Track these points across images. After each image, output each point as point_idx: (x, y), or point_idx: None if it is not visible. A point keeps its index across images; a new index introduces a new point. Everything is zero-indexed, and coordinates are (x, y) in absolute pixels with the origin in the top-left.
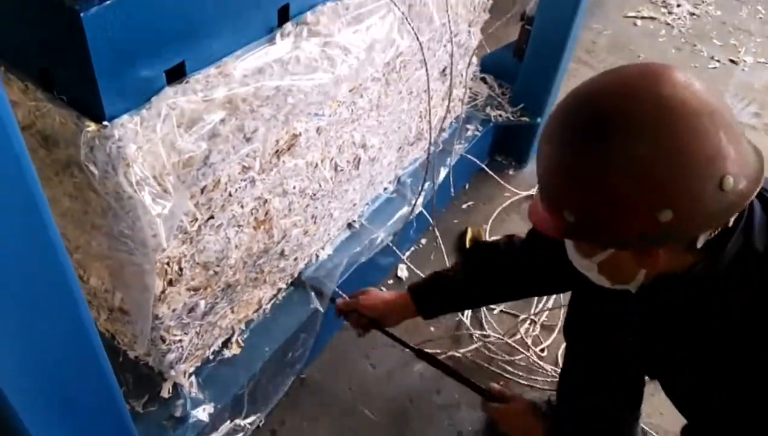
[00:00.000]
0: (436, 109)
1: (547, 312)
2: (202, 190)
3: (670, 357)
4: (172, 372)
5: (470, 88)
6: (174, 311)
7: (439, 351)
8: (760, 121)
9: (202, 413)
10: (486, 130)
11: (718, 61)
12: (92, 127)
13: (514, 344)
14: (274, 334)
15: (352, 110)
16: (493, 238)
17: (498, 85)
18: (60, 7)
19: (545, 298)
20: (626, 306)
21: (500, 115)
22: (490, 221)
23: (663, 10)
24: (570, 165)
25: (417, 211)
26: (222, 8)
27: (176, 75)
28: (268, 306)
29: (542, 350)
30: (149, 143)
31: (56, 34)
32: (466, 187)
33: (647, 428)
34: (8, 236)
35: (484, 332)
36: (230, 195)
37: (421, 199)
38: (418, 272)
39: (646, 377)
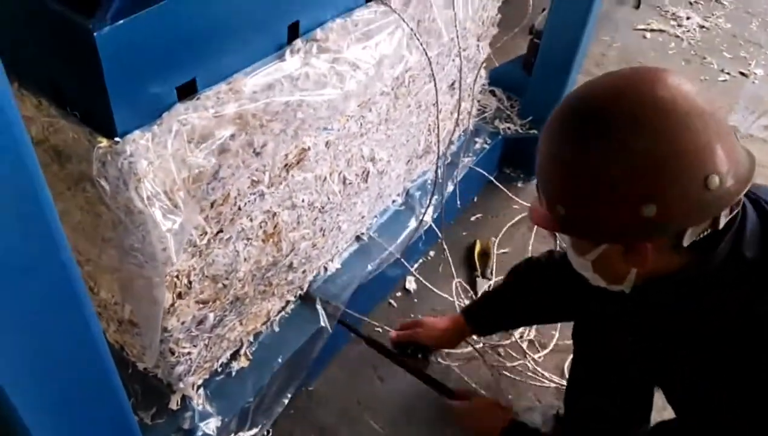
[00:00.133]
0: (445, 123)
1: None
2: (211, 205)
3: (669, 357)
4: (181, 384)
5: (479, 101)
6: (183, 323)
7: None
8: None
9: (210, 426)
10: (494, 143)
11: (728, 73)
12: (104, 143)
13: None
14: (283, 347)
15: (360, 124)
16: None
17: (506, 97)
18: (74, 26)
19: None
20: (625, 306)
21: (509, 128)
22: (500, 234)
23: (672, 22)
24: (559, 159)
25: (425, 224)
26: (233, 26)
27: (187, 91)
28: (277, 319)
29: (539, 357)
30: (160, 159)
31: (70, 53)
32: (475, 199)
33: None
34: (19, 248)
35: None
36: (239, 209)
37: (429, 212)
38: (426, 284)
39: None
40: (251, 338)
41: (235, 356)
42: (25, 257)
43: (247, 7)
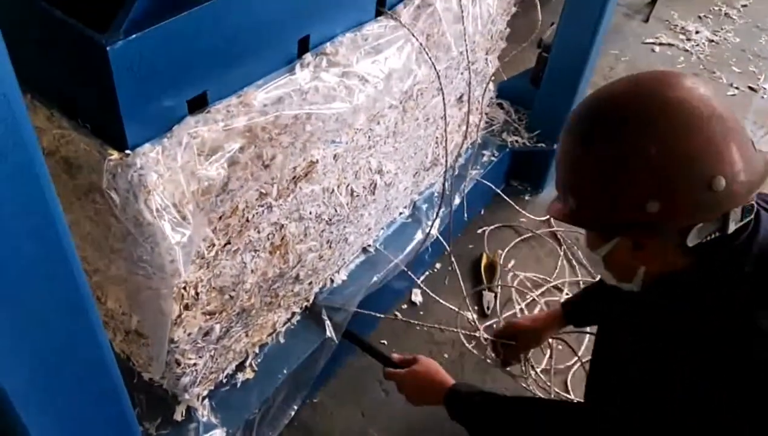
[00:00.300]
0: (453, 135)
1: None
2: (220, 217)
3: (669, 357)
4: (186, 395)
5: (486, 114)
6: (189, 335)
7: None
8: None
9: None
10: (502, 156)
11: (737, 88)
12: (115, 155)
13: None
14: (288, 358)
15: (369, 137)
16: None
17: (514, 110)
18: (87, 40)
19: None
20: (631, 306)
21: (517, 141)
22: (507, 246)
23: (681, 36)
24: (572, 154)
25: (432, 237)
26: (245, 40)
27: (198, 105)
28: (283, 330)
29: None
30: (170, 172)
31: (82, 66)
32: (482, 212)
33: None
34: (28, 257)
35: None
36: (247, 221)
37: (436, 224)
38: (433, 296)
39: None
40: (257, 350)
41: (240, 367)
42: (33, 265)
43: (259, 21)
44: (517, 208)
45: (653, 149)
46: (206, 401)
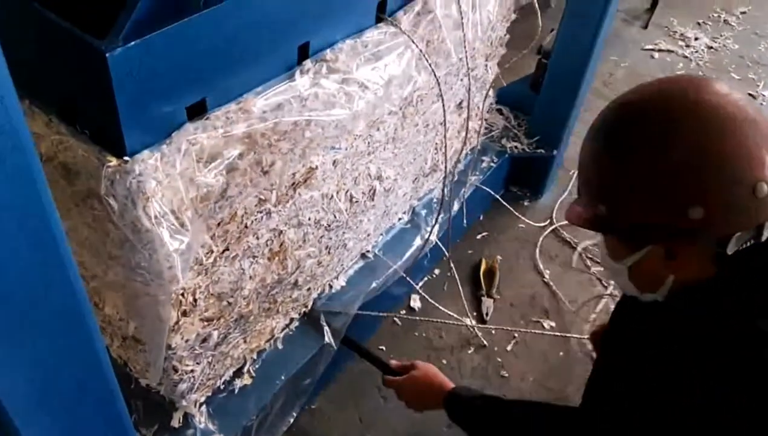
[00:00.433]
0: (452, 141)
1: None
2: (218, 223)
3: (686, 362)
4: (183, 402)
5: (486, 120)
6: (187, 341)
7: None
8: None
9: None
10: (501, 162)
11: None
12: (113, 161)
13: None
14: (286, 364)
15: (368, 143)
16: None
17: (514, 116)
18: (86, 46)
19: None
20: (644, 313)
21: (516, 147)
22: (505, 253)
23: (681, 43)
24: (605, 159)
25: (431, 243)
26: (244, 47)
27: (197, 111)
28: (281, 336)
29: None
30: (169, 178)
31: (81, 72)
32: (481, 218)
33: None
34: (25, 262)
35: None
36: (246, 227)
37: (435, 230)
38: (431, 302)
39: None
40: (255, 356)
41: (238, 373)
42: (30, 270)
43: (259, 28)
44: (517, 214)
45: (697, 154)
46: (204, 408)
